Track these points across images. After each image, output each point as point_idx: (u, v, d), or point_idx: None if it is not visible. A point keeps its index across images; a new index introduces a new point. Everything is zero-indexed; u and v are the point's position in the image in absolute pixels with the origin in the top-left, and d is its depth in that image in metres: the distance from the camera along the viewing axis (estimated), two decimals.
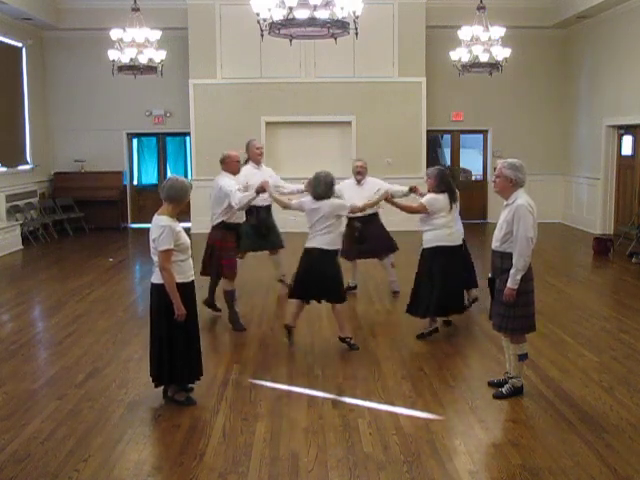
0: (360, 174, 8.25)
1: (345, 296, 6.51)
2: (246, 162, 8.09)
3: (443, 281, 6.46)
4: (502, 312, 5.09)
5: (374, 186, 8.03)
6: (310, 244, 6.31)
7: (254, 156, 8.18)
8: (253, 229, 8.07)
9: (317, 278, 6.26)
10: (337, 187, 6.59)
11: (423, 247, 6.64)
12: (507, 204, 5.10)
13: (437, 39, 14.33)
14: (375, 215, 8.24)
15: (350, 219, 8.00)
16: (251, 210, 7.69)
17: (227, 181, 6.87)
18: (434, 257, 6.52)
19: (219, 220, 6.98)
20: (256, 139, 8.85)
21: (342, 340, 6.48)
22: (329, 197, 6.26)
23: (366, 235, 8.19)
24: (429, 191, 6.64)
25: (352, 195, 7.52)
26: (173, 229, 4.87)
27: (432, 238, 6.53)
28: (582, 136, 14.61)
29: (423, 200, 6.59)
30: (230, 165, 7.05)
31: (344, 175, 14.15)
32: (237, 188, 6.80)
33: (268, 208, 8.29)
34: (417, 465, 4.16)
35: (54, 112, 15.18)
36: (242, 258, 8.20)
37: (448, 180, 6.65)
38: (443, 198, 6.52)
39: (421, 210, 6.52)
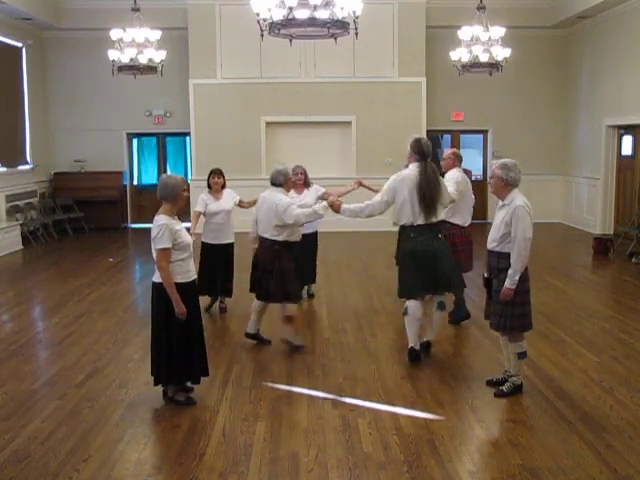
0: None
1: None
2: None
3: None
4: (500, 311, 5.11)
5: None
6: None
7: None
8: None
9: None
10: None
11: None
12: (504, 204, 5.12)
13: (437, 39, 14.35)
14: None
15: None
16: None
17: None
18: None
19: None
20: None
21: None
22: None
23: None
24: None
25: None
26: (171, 228, 4.87)
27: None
28: (582, 136, 14.60)
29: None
30: None
31: (344, 175, 14.38)
32: None
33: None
34: (417, 465, 4.15)
35: (54, 112, 15.18)
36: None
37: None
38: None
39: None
